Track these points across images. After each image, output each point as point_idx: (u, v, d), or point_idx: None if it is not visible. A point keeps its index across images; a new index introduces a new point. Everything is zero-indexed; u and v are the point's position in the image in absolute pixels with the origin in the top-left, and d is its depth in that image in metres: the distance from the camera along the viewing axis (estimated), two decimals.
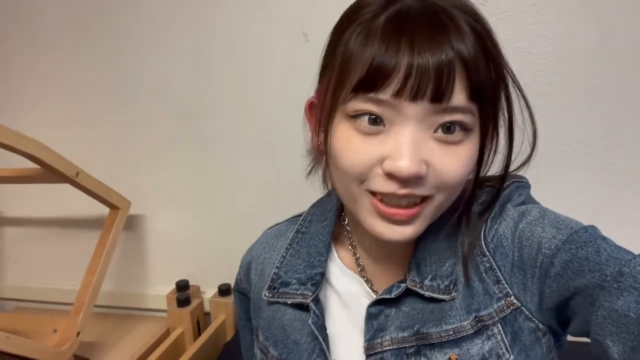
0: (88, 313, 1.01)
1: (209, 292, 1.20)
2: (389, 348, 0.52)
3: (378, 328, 0.53)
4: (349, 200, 0.51)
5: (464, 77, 0.43)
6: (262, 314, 0.62)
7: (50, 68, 1.20)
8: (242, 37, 1.05)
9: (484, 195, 0.53)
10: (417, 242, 0.54)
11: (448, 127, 0.44)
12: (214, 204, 1.18)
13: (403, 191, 0.45)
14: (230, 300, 1.13)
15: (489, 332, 0.49)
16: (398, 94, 0.42)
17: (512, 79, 0.49)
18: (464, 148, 0.46)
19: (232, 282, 1.16)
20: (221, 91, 1.10)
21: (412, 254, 0.54)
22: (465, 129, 0.45)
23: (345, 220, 0.60)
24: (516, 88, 0.50)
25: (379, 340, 0.53)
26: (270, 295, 0.60)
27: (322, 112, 0.49)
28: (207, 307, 1.19)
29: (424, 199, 0.47)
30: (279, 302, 0.59)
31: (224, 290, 1.14)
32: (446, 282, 0.51)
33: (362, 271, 0.58)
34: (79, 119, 1.21)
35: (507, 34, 0.91)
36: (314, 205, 0.64)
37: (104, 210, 1.11)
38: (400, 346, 0.51)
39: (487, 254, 0.50)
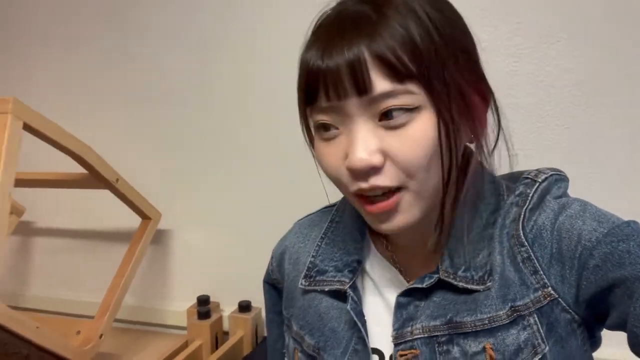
0: (112, 316, 1.03)
1: (228, 310, 1.21)
2: (419, 336, 0.52)
3: (407, 317, 0.54)
4: (350, 203, 0.54)
5: (381, 66, 0.44)
6: (296, 304, 0.62)
7: (87, 72, 1.29)
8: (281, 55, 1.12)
9: (522, 187, 0.54)
10: (450, 233, 0.54)
11: (386, 114, 0.45)
12: (239, 223, 1.22)
13: (366, 185, 0.47)
14: (249, 316, 1.14)
15: (525, 322, 0.48)
16: (328, 97, 0.46)
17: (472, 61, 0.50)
18: (412, 129, 0.46)
19: (252, 300, 1.18)
20: (251, 114, 1.16)
21: (445, 244, 0.54)
22: (407, 109, 0.45)
23: None
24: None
25: (409, 329, 0.53)
26: (307, 283, 0.60)
27: (306, 130, 0.54)
28: (225, 325, 1.19)
29: (399, 189, 0.48)
30: (315, 291, 0.60)
31: (244, 307, 1.15)
32: (480, 273, 0.51)
33: (395, 260, 0.59)
34: (113, 128, 1.29)
35: (530, 68, 0.97)
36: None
37: (132, 224, 1.15)
38: (432, 334, 0.51)
39: (526, 244, 0.50)
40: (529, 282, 0.49)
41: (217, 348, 1.14)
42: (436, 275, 0.53)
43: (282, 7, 1.10)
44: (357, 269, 0.58)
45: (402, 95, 0.45)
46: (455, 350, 0.50)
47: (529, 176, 0.54)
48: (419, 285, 0.53)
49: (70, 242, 1.39)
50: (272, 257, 0.70)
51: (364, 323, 0.55)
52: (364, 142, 0.45)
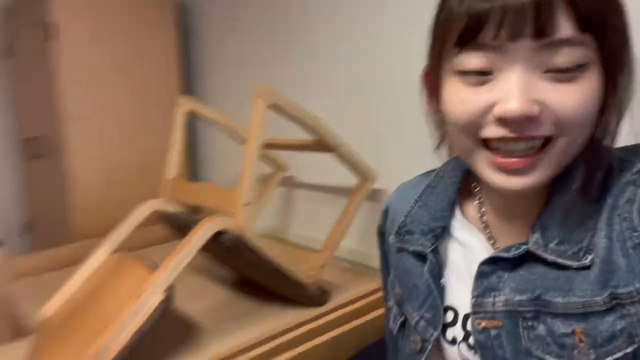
0: (332, 252, 1.28)
1: None
2: (502, 309, 0.51)
3: (488, 287, 0.53)
4: (465, 155, 0.51)
5: (568, 9, 0.41)
6: (392, 256, 0.69)
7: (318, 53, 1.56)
8: None
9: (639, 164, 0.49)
10: (547, 203, 0.51)
11: (558, 66, 0.43)
12: None
13: (514, 134, 0.44)
14: None
15: (625, 311, 0.46)
16: (497, 35, 0.43)
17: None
18: (579, 85, 0.43)
19: None
20: None
21: (539, 214, 0.51)
22: (579, 65, 0.43)
23: (474, 176, 0.60)
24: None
25: (490, 299, 0.52)
26: (396, 240, 0.65)
27: (433, 76, 0.51)
28: None
29: (545, 146, 0.46)
30: (402, 248, 0.65)
31: None
32: (575, 249, 0.48)
33: (486, 228, 0.58)
34: (335, 97, 1.53)
35: None
36: (447, 162, 0.65)
37: (351, 182, 1.36)
38: (516, 309, 0.50)
39: (638, 229, 0.46)
40: (637, 270, 0.46)
41: None
42: (524, 247, 0.51)
43: None
44: (440, 234, 0.60)
45: (578, 47, 0.43)
46: (542, 328, 0.49)
47: None
48: (504, 255, 0.52)
49: (314, 193, 1.72)
50: (381, 212, 0.75)
51: (437, 285, 0.59)
52: (523, 90, 0.43)
